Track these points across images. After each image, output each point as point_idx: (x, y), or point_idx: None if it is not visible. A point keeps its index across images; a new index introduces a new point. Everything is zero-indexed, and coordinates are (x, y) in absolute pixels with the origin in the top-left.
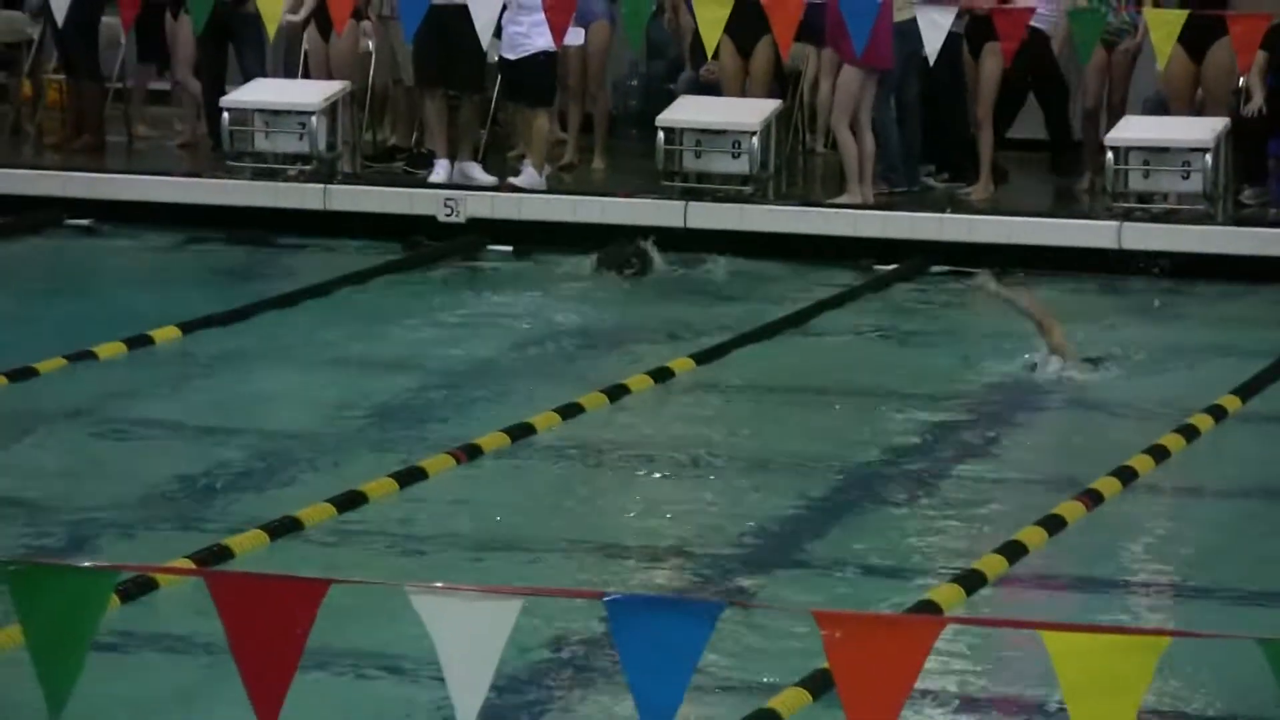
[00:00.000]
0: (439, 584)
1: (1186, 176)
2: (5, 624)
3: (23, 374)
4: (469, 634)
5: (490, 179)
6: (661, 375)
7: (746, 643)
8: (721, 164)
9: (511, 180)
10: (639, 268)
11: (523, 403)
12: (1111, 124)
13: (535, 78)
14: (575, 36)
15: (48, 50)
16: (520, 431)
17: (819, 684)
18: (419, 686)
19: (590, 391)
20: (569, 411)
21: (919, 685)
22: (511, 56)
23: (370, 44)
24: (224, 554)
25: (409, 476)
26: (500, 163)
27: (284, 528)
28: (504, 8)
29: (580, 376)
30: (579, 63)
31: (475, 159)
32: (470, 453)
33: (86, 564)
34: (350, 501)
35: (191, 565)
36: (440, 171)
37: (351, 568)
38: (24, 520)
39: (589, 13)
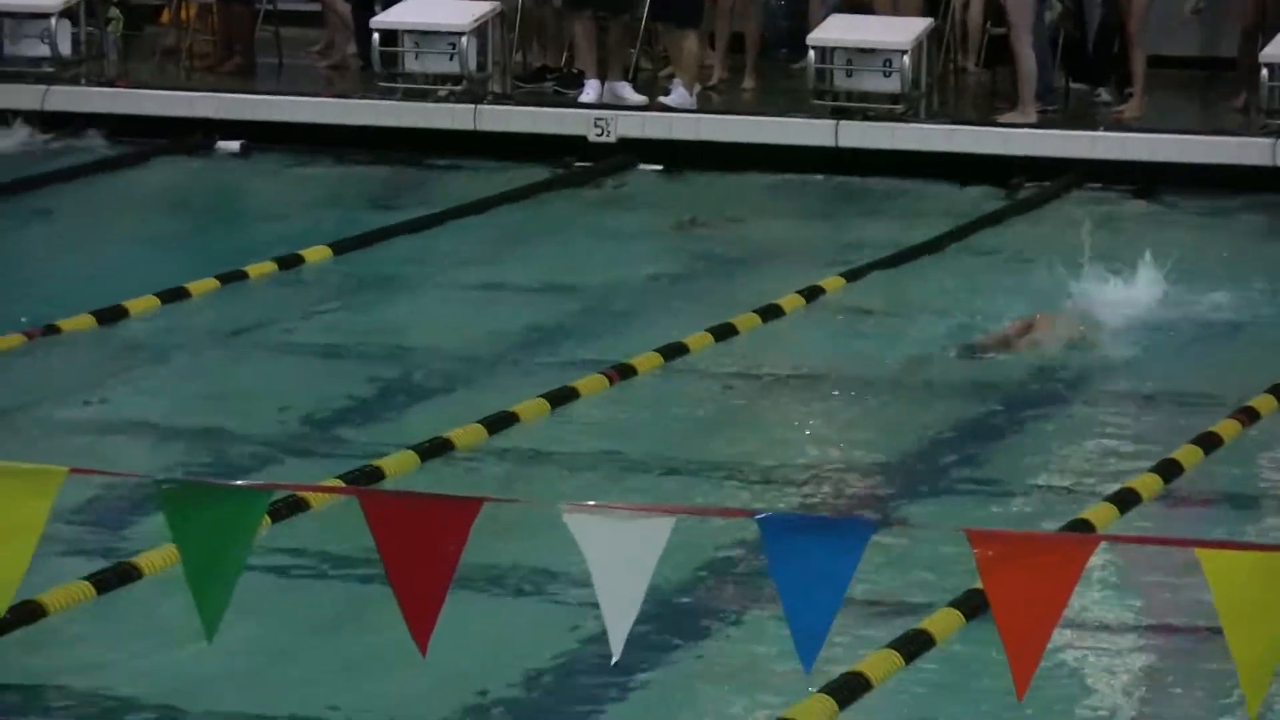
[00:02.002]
0: (591, 503)
1: None
2: (160, 544)
3: (175, 294)
4: (621, 553)
5: (640, 98)
6: (813, 294)
7: (899, 563)
8: (873, 83)
9: (661, 100)
10: None
11: (675, 323)
12: (1267, 42)
13: None
14: None
15: None
16: (672, 351)
17: (972, 605)
18: (570, 606)
19: (743, 311)
20: (721, 331)
21: (1072, 605)
22: None
23: None
24: (375, 475)
25: (561, 397)
26: (650, 82)
27: (435, 449)
28: None
29: (732, 296)
30: None
31: (625, 79)
32: (623, 373)
33: (240, 483)
34: (501, 422)
35: (343, 485)
36: (590, 91)
37: (503, 488)
38: (177, 440)
39: None
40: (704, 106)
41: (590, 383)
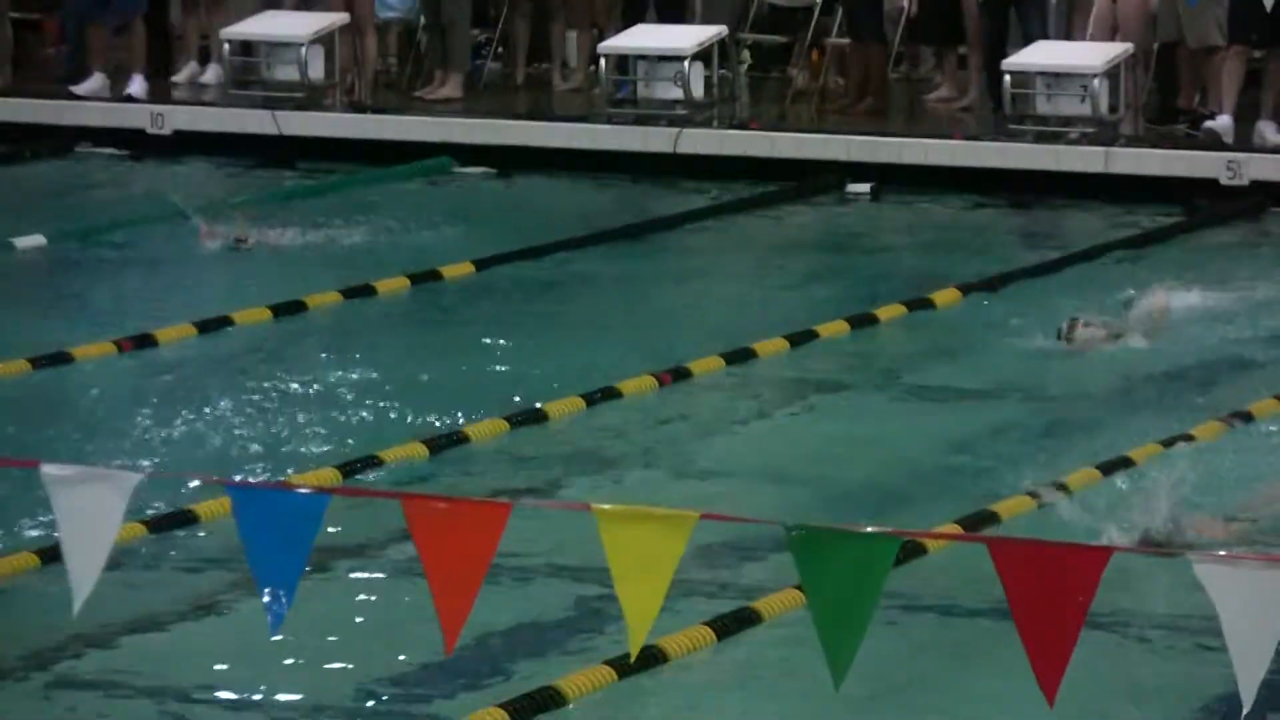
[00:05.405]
0: (1221, 552)
1: None
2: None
3: (805, 337)
4: (1252, 604)
5: None
6: None
7: None
8: None
9: None
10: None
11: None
12: None
13: None
14: None
15: (832, 12)
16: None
17: None
18: (1201, 656)
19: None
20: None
21: None
22: None
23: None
24: (991, 519)
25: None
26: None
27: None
28: None
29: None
30: None
31: (1273, 118)
32: (1244, 419)
33: (870, 529)
34: (1116, 466)
35: (959, 530)
36: (1221, 124)
37: (1120, 532)
38: (795, 483)
39: None
40: None
41: (1146, 450)
